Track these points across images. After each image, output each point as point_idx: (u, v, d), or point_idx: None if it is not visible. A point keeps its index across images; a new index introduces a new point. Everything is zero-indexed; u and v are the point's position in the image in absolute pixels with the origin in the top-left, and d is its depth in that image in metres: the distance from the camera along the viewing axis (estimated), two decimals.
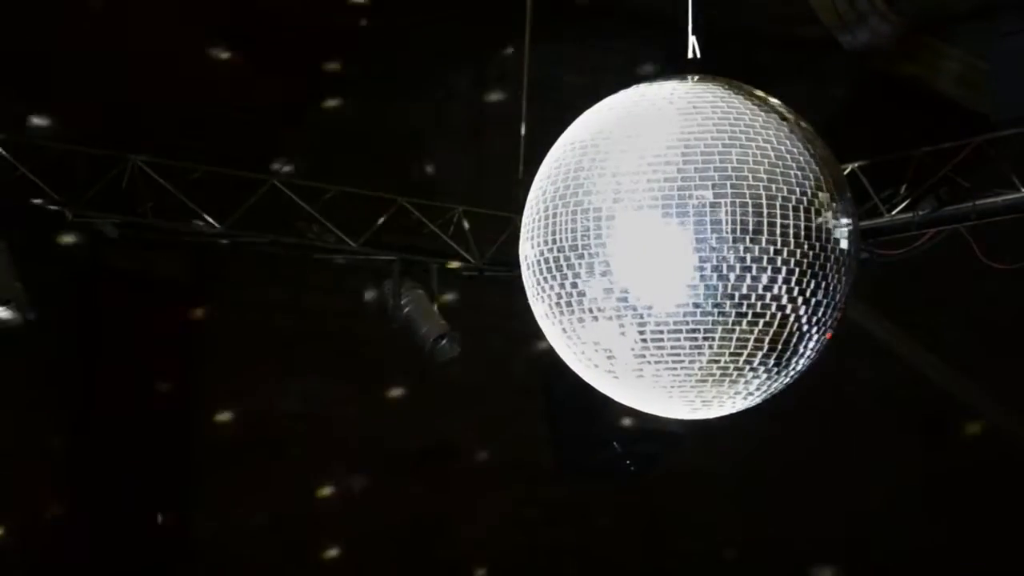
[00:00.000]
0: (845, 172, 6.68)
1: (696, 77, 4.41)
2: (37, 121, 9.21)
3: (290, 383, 10.50)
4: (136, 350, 9.97)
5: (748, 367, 4.29)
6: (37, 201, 8.50)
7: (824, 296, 4.27)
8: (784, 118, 4.33)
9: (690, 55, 4.51)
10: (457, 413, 10.78)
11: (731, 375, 4.30)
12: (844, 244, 4.28)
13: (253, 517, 10.39)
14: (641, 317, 4.20)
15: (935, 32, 9.69)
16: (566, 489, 10.84)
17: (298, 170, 9.27)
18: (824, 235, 4.22)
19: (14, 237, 8.30)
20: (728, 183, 4.14)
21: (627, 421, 9.19)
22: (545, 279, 4.35)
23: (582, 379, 4.56)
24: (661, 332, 4.21)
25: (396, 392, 10.63)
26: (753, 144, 4.21)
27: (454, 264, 9.14)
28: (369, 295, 9.20)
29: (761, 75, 5.02)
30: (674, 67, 4.49)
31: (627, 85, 4.47)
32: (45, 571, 9.88)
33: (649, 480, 9.96)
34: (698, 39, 4.53)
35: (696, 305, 4.16)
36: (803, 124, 4.36)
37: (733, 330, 4.20)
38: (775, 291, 4.19)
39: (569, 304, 4.31)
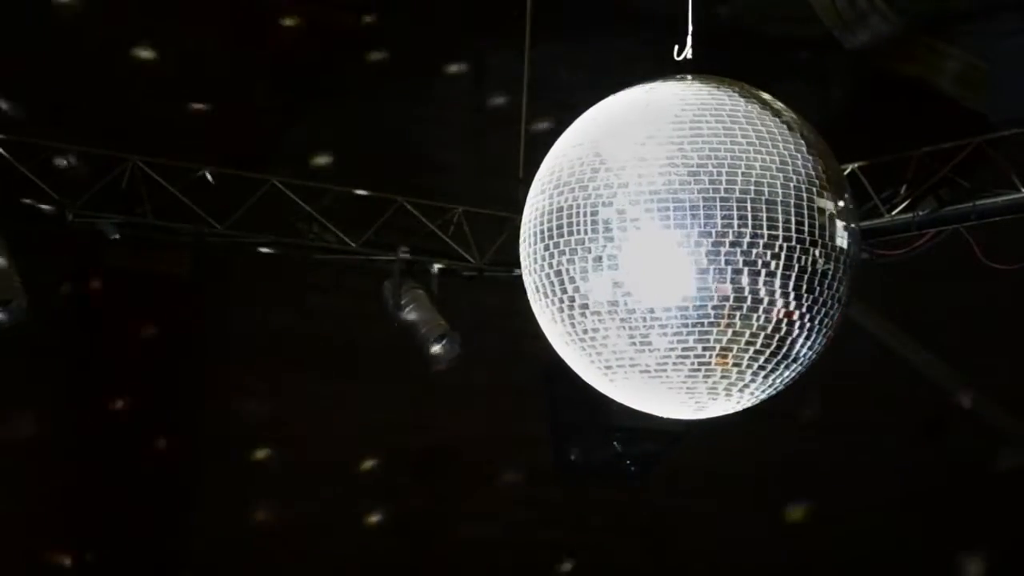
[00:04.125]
0: (845, 172, 6.69)
1: (696, 77, 4.42)
2: (38, 121, 9.21)
3: (290, 383, 10.49)
4: (135, 350, 9.97)
5: (748, 367, 4.29)
6: (34, 201, 8.50)
7: (824, 296, 4.27)
8: (784, 118, 4.33)
9: (689, 55, 4.52)
10: (457, 413, 10.77)
11: (731, 375, 4.30)
12: (844, 244, 4.29)
13: (253, 515, 10.38)
14: (641, 317, 4.21)
15: (935, 32, 9.69)
16: (565, 489, 10.84)
17: (298, 170, 9.26)
18: (824, 235, 4.23)
19: (14, 237, 8.29)
20: (728, 183, 4.15)
21: (627, 421, 9.18)
22: (545, 278, 4.35)
23: (582, 379, 4.56)
24: (642, 333, 4.22)
25: (396, 392, 10.62)
26: (753, 144, 4.21)
27: None
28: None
29: (761, 75, 5.02)
30: (674, 67, 4.49)
31: (627, 85, 4.47)
32: (43, 565, 9.88)
33: (649, 480, 9.95)
34: (698, 39, 4.53)
35: (696, 305, 4.17)
36: (803, 124, 4.36)
37: (713, 329, 4.20)
38: (775, 291, 4.19)
39: (569, 304, 4.31)
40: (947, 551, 11.71)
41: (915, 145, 8.80)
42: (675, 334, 4.20)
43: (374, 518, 10.71)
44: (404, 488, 10.90)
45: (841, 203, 4.31)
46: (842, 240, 4.28)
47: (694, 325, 4.19)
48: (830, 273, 4.28)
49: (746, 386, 4.37)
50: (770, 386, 4.40)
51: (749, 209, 4.15)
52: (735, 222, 4.14)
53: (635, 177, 4.20)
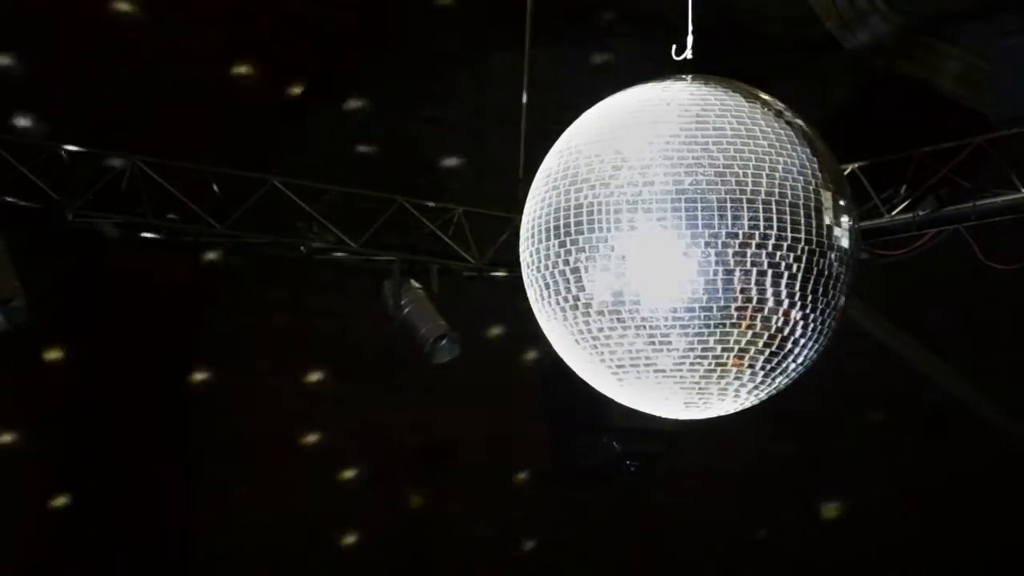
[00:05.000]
0: (845, 172, 6.69)
1: (698, 78, 4.41)
2: (36, 122, 9.21)
3: (290, 383, 10.50)
4: (136, 350, 9.97)
5: (749, 367, 4.29)
6: (34, 201, 8.50)
7: (824, 296, 4.27)
8: (785, 118, 4.33)
9: (688, 55, 4.52)
10: (457, 413, 10.77)
11: (732, 375, 4.30)
12: (844, 244, 4.29)
13: (254, 515, 10.39)
14: (643, 317, 4.20)
15: (935, 32, 9.69)
16: (566, 489, 10.84)
17: (298, 170, 9.26)
18: (824, 235, 4.23)
19: (14, 237, 8.29)
20: (729, 183, 4.15)
21: (627, 421, 9.18)
22: (546, 279, 4.34)
23: (582, 379, 4.56)
24: (663, 332, 4.21)
25: (396, 392, 10.62)
26: (775, 146, 4.21)
27: None
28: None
29: (762, 75, 5.02)
30: (674, 67, 4.49)
31: (627, 86, 4.46)
32: (49, 572, 9.90)
33: (649, 480, 9.96)
34: (699, 39, 4.53)
35: (698, 306, 4.16)
36: (803, 124, 4.36)
37: (734, 330, 4.20)
38: (776, 292, 4.19)
39: (570, 304, 4.31)
40: (947, 551, 11.70)
41: (915, 145, 8.80)
42: (696, 334, 4.19)
43: (374, 518, 10.71)
44: (404, 488, 10.90)
45: (841, 203, 4.31)
46: (842, 240, 4.29)
47: (716, 326, 4.18)
48: (841, 276, 4.29)
49: (755, 387, 4.37)
50: (773, 387, 4.41)
51: (775, 211, 4.15)
52: (761, 224, 4.14)
53: (660, 175, 4.18)
